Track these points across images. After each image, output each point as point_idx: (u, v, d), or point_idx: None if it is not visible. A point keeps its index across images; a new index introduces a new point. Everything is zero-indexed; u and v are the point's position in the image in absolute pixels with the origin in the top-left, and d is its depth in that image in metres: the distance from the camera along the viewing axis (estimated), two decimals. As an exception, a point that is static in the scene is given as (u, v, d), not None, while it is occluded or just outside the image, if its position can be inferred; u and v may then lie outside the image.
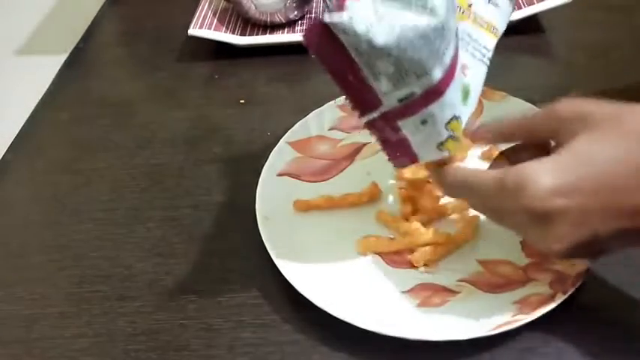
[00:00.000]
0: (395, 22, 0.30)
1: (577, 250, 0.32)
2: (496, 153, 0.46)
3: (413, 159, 0.36)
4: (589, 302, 0.38)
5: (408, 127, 0.34)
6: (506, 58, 0.58)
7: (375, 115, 0.34)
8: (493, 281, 0.39)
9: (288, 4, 0.62)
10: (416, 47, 0.30)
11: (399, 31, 0.30)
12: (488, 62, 0.38)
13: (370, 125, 0.35)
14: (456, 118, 0.34)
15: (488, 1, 0.38)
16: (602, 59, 0.58)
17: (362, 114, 0.34)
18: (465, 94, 0.36)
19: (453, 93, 0.33)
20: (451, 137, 0.35)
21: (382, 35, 0.30)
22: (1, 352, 0.40)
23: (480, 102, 0.50)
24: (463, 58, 0.36)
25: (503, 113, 0.48)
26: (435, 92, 0.32)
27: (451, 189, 0.37)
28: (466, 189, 0.35)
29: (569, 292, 0.36)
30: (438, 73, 0.32)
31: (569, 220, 0.31)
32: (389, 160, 0.37)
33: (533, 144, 0.35)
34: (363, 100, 0.33)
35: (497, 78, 0.49)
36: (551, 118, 0.34)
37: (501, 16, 0.39)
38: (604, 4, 0.64)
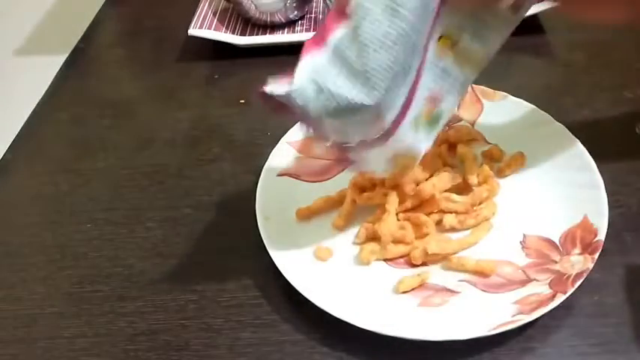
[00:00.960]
0: (333, 97, 0.32)
1: None
2: (497, 150, 0.47)
3: (362, 169, 0.40)
4: (589, 302, 0.38)
5: (355, 155, 0.37)
6: (506, 58, 0.58)
7: (327, 144, 0.36)
8: (493, 281, 0.39)
9: (288, 4, 0.62)
10: (349, 121, 0.34)
11: (334, 108, 0.32)
12: (464, 89, 0.40)
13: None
14: (405, 150, 0.38)
15: (473, 38, 0.38)
16: (602, 59, 0.58)
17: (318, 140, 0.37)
18: (436, 119, 0.39)
19: (400, 136, 0.36)
20: (398, 161, 0.38)
21: (318, 109, 0.32)
22: (2, 352, 0.40)
23: (479, 102, 0.51)
24: (439, 91, 0.38)
25: (504, 113, 0.49)
26: (376, 140, 0.36)
27: None
28: None
29: (569, 292, 0.36)
30: (375, 131, 0.35)
31: None
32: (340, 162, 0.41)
33: None
34: (315, 133, 0.35)
35: (498, 78, 0.49)
36: None
37: (490, 48, 0.39)
38: (604, 4, 0.64)
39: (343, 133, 0.35)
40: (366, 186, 0.45)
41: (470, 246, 0.41)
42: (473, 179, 0.44)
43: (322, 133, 0.35)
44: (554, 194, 0.43)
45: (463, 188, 0.44)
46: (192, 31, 0.62)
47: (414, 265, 0.41)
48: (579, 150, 0.44)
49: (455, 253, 0.41)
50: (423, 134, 0.39)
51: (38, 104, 0.61)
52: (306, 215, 0.44)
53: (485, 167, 0.45)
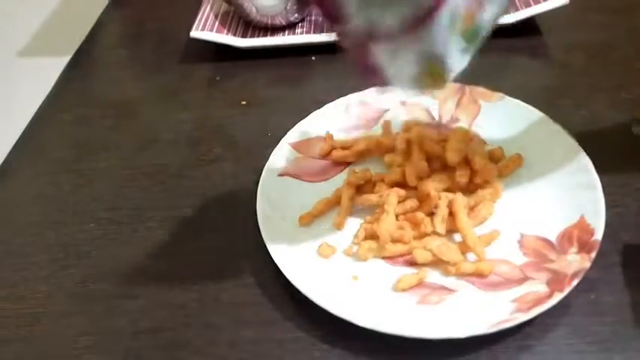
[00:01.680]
0: None
1: None
2: (499, 151, 0.47)
3: (384, 82, 0.34)
4: (586, 301, 0.38)
5: (379, 54, 0.32)
6: (503, 59, 0.59)
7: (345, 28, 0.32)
8: (491, 280, 0.39)
9: (288, 7, 0.63)
10: None
11: None
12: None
13: (343, 42, 0.33)
14: (436, 57, 0.32)
15: None
16: (600, 61, 0.58)
17: (332, 27, 0.32)
18: (475, 33, 0.33)
19: (435, 32, 0.31)
20: (427, 75, 0.33)
21: None
22: (5, 350, 0.40)
23: (477, 103, 0.51)
24: None
25: (501, 114, 0.49)
26: (415, 23, 0.30)
27: None
28: None
29: (566, 291, 0.36)
30: (412, 9, 0.30)
31: None
32: (361, 75, 0.35)
33: None
34: (332, 13, 0.31)
35: (495, 79, 0.49)
36: None
37: None
38: (601, 6, 0.64)
39: (372, 13, 0.30)
40: (360, 185, 0.45)
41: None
42: (454, 157, 0.44)
43: (346, 17, 0.31)
44: (552, 195, 0.44)
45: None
46: (194, 33, 0.63)
47: (412, 264, 0.41)
48: (577, 151, 0.45)
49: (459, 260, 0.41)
50: (458, 49, 0.33)
51: (41, 105, 0.61)
52: (309, 220, 0.44)
53: (492, 168, 0.45)
